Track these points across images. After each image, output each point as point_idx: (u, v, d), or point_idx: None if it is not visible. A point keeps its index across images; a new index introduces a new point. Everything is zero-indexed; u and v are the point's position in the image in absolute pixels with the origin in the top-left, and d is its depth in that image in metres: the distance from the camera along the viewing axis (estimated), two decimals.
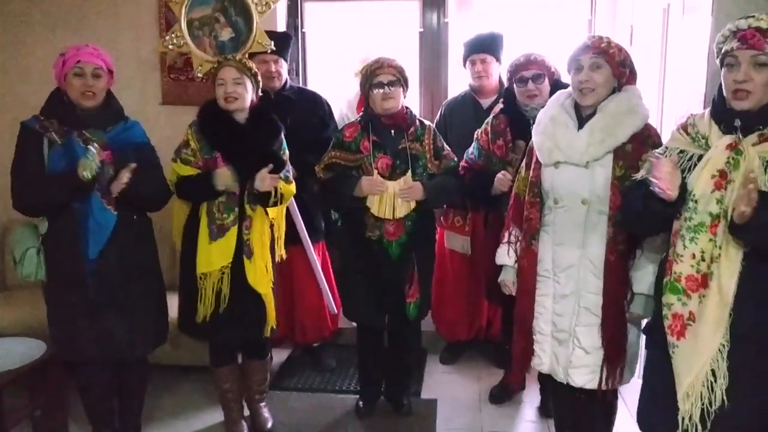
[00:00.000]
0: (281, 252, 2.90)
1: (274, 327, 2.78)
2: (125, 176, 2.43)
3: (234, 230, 2.63)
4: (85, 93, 2.46)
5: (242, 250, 2.65)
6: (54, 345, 2.67)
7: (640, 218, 1.96)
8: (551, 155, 2.24)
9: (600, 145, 2.14)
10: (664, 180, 1.77)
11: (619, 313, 2.19)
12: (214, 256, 2.61)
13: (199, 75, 3.09)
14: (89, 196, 2.44)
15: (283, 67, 3.30)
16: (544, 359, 2.35)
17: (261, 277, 2.69)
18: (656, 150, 1.98)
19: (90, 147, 2.39)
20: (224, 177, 2.58)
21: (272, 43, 3.02)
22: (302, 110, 3.29)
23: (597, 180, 2.17)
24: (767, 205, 1.63)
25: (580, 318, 2.24)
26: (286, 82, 3.35)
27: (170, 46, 3.08)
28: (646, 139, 2.16)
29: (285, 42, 3.35)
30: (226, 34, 3.03)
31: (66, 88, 2.48)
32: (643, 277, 2.13)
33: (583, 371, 2.26)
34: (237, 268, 2.64)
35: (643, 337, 2.40)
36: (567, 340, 2.27)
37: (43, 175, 2.42)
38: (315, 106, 3.39)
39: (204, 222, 2.63)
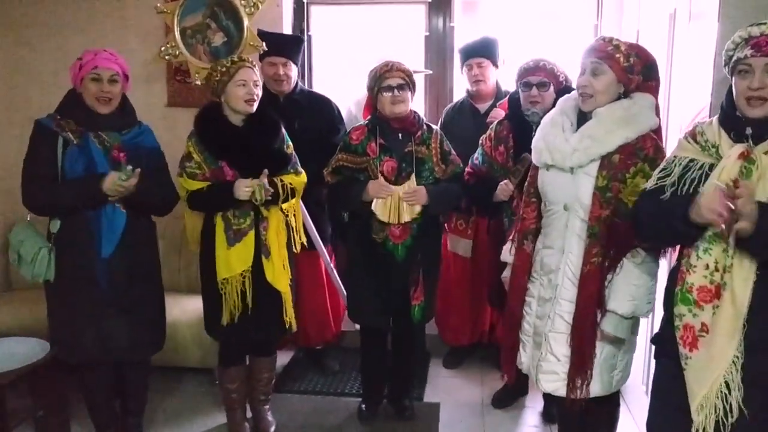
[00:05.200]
0: (302, 239, 2.87)
1: (293, 325, 2.79)
2: (131, 182, 2.43)
3: (251, 234, 2.63)
4: (100, 98, 2.47)
5: (260, 250, 2.65)
6: (55, 345, 2.67)
7: (660, 232, 1.89)
8: (541, 157, 2.22)
9: (585, 152, 2.09)
10: (725, 210, 1.62)
11: (588, 325, 2.13)
12: (233, 262, 2.62)
13: (198, 83, 3.11)
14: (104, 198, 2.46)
15: (293, 70, 3.26)
16: (524, 359, 2.35)
17: (279, 274, 2.70)
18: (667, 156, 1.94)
19: (128, 167, 2.41)
20: (245, 188, 2.56)
21: (264, 44, 3.03)
22: (311, 114, 3.27)
23: (581, 187, 2.11)
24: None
25: (554, 324, 2.21)
26: (296, 85, 3.32)
27: (166, 57, 3.10)
28: (638, 151, 2.07)
29: (295, 45, 3.32)
30: (218, 39, 3.05)
31: (82, 92, 2.49)
32: (616, 296, 2.07)
33: (552, 377, 2.23)
34: (256, 268, 2.65)
35: (641, 347, 2.38)
36: (542, 343, 2.26)
37: (56, 175, 2.43)
38: (324, 110, 3.36)
39: (220, 228, 2.63)
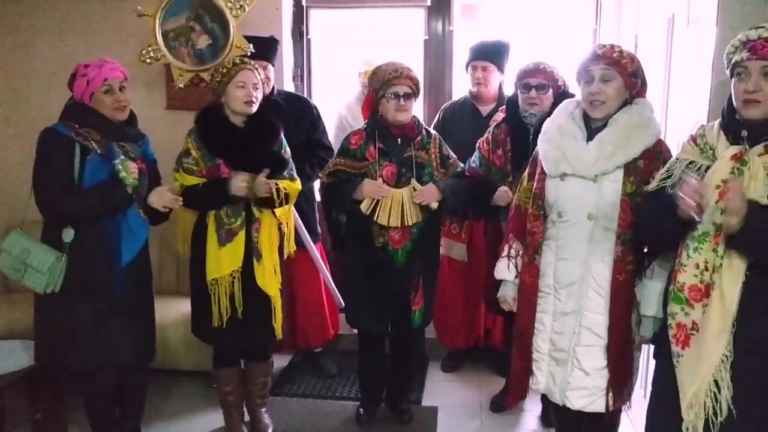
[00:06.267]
0: (291, 248, 2.90)
1: (278, 331, 2.78)
2: (170, 194, 2.52)
3: (242, 234, 2.64)
4: (117, 108, 2.50)
5: (251, 252, 2.66)
6: (44, 354, 2.60)
7: (655, 232, 1.93)
8: (558, 166, 2.18)
9: (609, 159, 2.08)
10: (694, 200, 1.71)
11: (626, 334, 2.13)
12: (224, 261, 2.62)
13: (181, 85, 3.10)
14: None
15: (272, 72, 3.29)
16: (540, 379, 2.29)
17: (270, 278, 2.71)
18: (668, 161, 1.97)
19: (120, 159, 2.44)
20: (240, 182, 2.59)
21: (251, 45, 3.03)
22: (292, 115, 3.29)
23: (605, 195, 2.10)
24: (760, 215, 1.63)
25: (581, 338, 2.17)
26: (273, 87, 3.33)
27: (147, 60, 3.09)
28: (657, 155, 2.09)
29: (272, 47, 3.33)
30: (203, 42, 3.05)
31: (93, 105, 2.48)
32: (653, 299, 2.05)
33: (582, 393, 2.19)
34: (246, 271, 2.66)
35: (643, 353, 2.38)
36: (566, 360, 2.20)
37: (73, 183, 2.42)
38: (304, 111, 3.39)
39: (212, 228, 2.64)
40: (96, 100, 2.48)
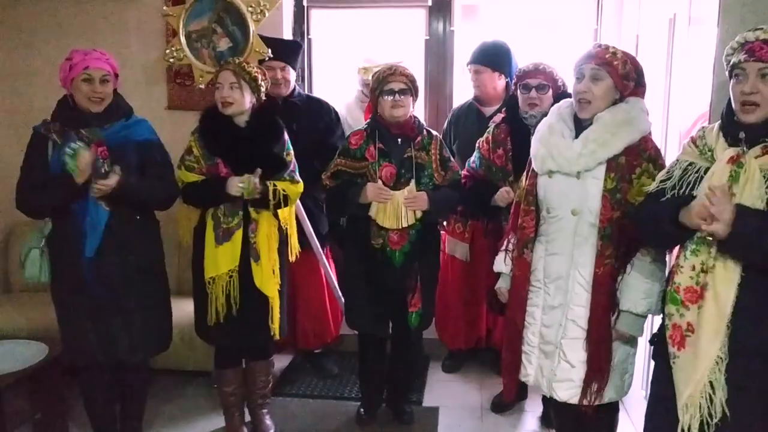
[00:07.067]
0: (296, 250, 2.92)
1: (279, 332, 2.78)
2: (112, 180, 2.41)
3: (239, 233, 2.64)
4: (92, 99, 2.48)
5: (249, 253, 2.66)
6: (62, 346, 2.67)
7: (655, 234, 1.94)
8: (544, 164, 2.23)
9: (592, 156, 2.12)
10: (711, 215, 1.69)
11: (604, 328, 2.15)
12: (220, 260, 2.63)
13: (201, 86, 3.12)
14: (86, 194, 2.43)
15: (291, 74, 3.30)
16: (530, 371, 2.32)
17: (268, 279, 2.71)
18: (670, 161, 1.98)
19: (70, 145, 2.38)
20: (238, 183, 2.59)
21: (270, 51, 3.04)
22: (309, 117, 3.30)
23: (589, 191, 2.14)
24: (747, 220, 1.64)
25: (567, 331, 2.20)
26: (294, 89, 3.35)
27: (171, 59, 3.11)
28: (641, 152, 2.13)
29: (293, 50, 3.36)
30: (224, 44, 3.06)
31: (72, 92, 2.50)
32: (630, 295, 2.09)
33: (567, 385, 2.22)
34: (244, 272, 2.66)
35: (640, 353, 2.38)
36: (553, 352, 2.24)
37: (44, 177, 2.44)
38: (321, 113, 3.40)
39: (210, 226, 2.65)
40: (75, 87, 2.48)
